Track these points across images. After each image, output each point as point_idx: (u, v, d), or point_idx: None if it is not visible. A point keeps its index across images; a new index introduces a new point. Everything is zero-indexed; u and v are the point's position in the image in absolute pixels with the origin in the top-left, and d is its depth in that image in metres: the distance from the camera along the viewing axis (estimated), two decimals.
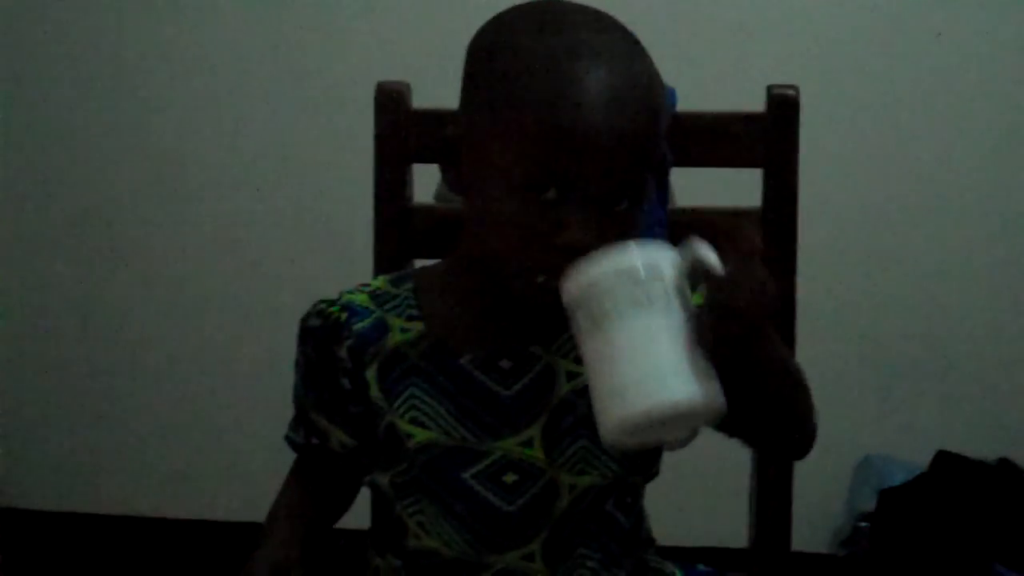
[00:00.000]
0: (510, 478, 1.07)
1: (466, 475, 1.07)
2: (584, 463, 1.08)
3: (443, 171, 1.11)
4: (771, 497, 1.37)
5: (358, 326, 1.10)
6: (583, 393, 1.06)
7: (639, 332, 0.93)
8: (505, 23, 1.04)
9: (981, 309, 2.32)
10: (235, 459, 2.44)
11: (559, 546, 1.09)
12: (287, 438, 1.17)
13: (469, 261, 1.09)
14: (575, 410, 1.08)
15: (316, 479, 1.16)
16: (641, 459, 1.12)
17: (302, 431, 1.15)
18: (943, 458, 2.16)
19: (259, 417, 2.14)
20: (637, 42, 1.03)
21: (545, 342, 1.09)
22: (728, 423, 0.99)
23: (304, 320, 1.13)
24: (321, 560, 1.15)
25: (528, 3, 1.05)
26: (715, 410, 0.94)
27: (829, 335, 2.28)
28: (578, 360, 1.05)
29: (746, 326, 0.94)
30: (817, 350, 2.35)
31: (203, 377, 2.45)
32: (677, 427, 0.97)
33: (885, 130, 2.29)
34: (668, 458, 1.77)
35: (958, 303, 2.32)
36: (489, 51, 1.03)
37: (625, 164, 0.99)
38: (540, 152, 0.98)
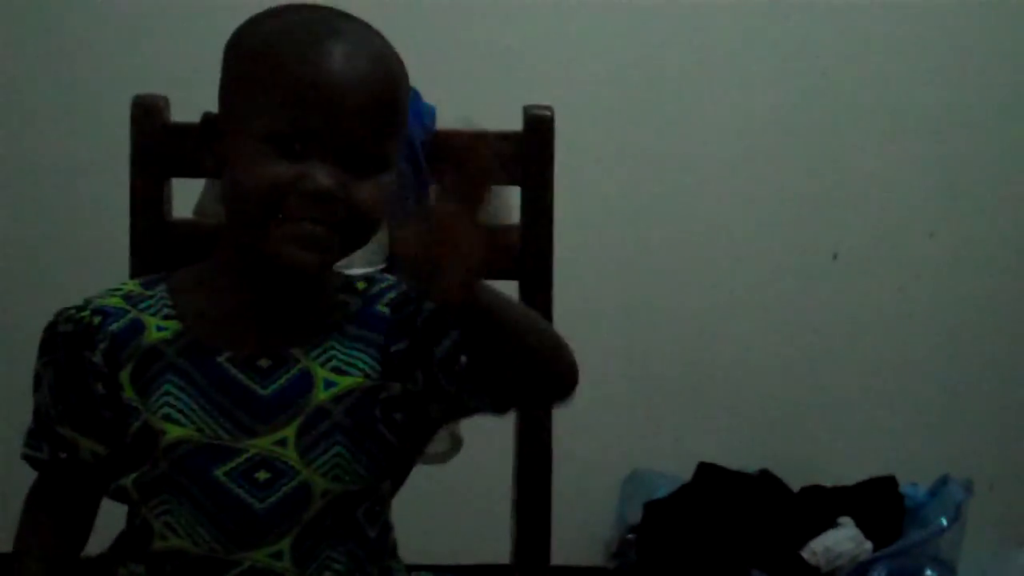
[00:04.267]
0: (262, 476, 1.08)
1: (218, 472, 1.08)
2: (339, 469, 1.10)
3: (202, 157, 1.12)
4: (532, 510, 1.39)
5: (113, 326, 1.10)
6: (340, 400, 1.10)
7: None
8: (256, 16, 1.13)
9: (741, 321, 2.41)
10: None
11: (307, 547, 1.10)
12: (26, 457, 1.14)
13: (226, 255, 1.13)
14: (331, 416, 1.10)
15: (62, 501, 1.14)
16: (392, 467, 1.14)
17: (46, 447, 1.13)
18: (705, 469, 2.24)
19: None
20: (380, 34, 1.12)
21: (305, 345, 1.11)
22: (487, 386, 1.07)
23: (51, 327, 1.12)
24: None
25: (278, 5, 1.14)
26: None
27: (591, 353, 2.26)
28: (335, 370, 1.11)
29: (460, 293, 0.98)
30: (580, 368, 2.40)
31: None
32: None
33: (639, 144, 2.37)
34: (429, 474, 1.82)
35: (717, 316, 2.41)
36: (240, 35, 1.12)
37: (366, 122, 1.06)
38: (284, 104, 1.05)
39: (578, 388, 1.11)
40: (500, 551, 1.57)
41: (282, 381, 1.10)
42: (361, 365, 1.12)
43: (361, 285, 1.17)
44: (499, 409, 1.12)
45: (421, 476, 1.61)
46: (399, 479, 1.16)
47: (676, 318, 2.40)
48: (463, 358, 1.09)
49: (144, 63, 2.24)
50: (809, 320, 2.42)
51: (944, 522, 2.11)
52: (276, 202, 1.06)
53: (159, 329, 1.10)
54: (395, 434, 1.12)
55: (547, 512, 1.40)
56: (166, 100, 1.33)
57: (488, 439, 1.85)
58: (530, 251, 1.35)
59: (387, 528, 1.18)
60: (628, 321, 2.39)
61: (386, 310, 1.14)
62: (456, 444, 1.59)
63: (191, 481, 1.08)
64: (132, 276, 1.31)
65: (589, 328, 2.28)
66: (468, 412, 1.14)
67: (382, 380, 1.12)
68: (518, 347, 1.05)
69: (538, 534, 1.40)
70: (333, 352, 1.12)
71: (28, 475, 1.16)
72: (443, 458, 1.59)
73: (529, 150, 1.34)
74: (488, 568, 1.74)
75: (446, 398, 1.11)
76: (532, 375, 1.08)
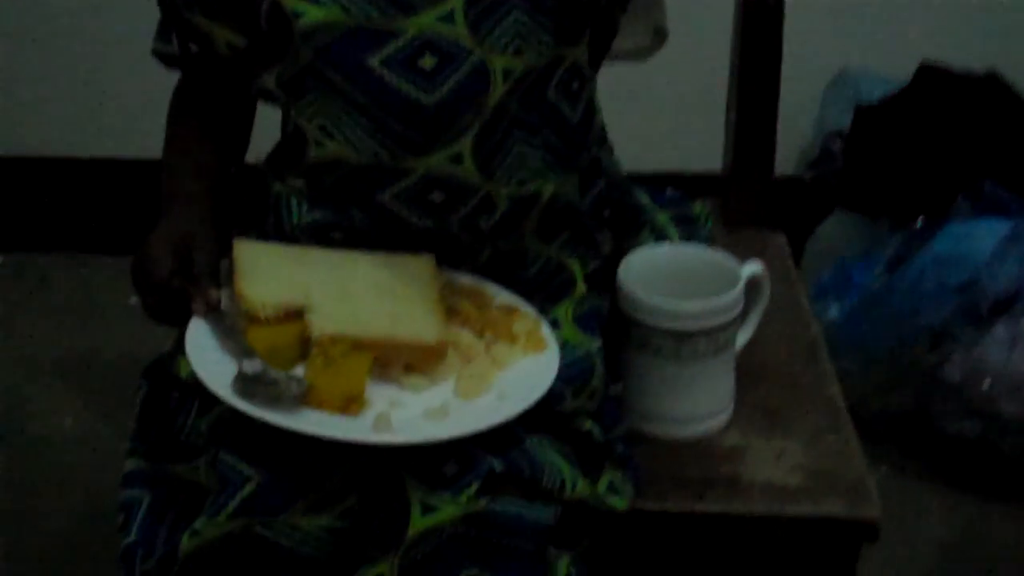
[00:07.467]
0: (428, 62, 0.88)
1: (372, 60, 0.88)
2: (520, 40, 0.89)
3: None
4: (752, 117, 1.26)
5: None
6: None
7: None
8: None
9: None
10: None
11: (493, 144, 0.90)
12: (155, 53, 0.96)
13: None
14: None
15: (207, 106, 0.97)
16: (582, 28, 0.93)
17: (175, 39, 0.94)
18: (926, 70, 1.97)
19: None
20: None
21: None
22: None
23: None
24: (229, 213, 0.97)
25: None
26: None
27: None
28: None
29: None
30: None
31: None
32: None
33: None
34: (639, 78, 1.64)
35: None
36: None
37: None
38: None
39: None
40: (709, 158, 1.45)
41: None
42: None
43: None
44: None
45: (628, 77, 1.45)
46: (597, 51, 0.96)
47: None
48: None
49: None
50: None
51: None
52: None
53: None
54: None
55: (773, 117, 1.26)
56: None
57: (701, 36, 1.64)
58: None
59: (591, 111, 0.97)
60: None
61: None
62: (660, 37, 1.36)
63: (341, 74, 0.88)
64: None
65: None
66: None
67: None
68: None
69: (758, 143, 1.29)
70: None
71: None
72: (645, 53, 1.37)
73: None
74: (701, 178, 1.57)
75: None
76: None
